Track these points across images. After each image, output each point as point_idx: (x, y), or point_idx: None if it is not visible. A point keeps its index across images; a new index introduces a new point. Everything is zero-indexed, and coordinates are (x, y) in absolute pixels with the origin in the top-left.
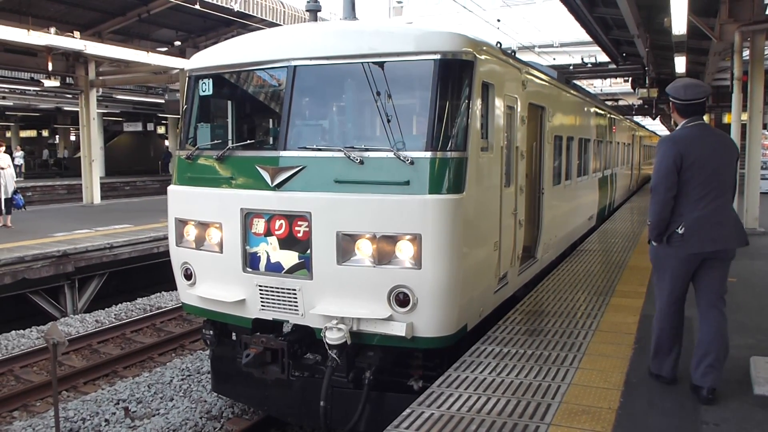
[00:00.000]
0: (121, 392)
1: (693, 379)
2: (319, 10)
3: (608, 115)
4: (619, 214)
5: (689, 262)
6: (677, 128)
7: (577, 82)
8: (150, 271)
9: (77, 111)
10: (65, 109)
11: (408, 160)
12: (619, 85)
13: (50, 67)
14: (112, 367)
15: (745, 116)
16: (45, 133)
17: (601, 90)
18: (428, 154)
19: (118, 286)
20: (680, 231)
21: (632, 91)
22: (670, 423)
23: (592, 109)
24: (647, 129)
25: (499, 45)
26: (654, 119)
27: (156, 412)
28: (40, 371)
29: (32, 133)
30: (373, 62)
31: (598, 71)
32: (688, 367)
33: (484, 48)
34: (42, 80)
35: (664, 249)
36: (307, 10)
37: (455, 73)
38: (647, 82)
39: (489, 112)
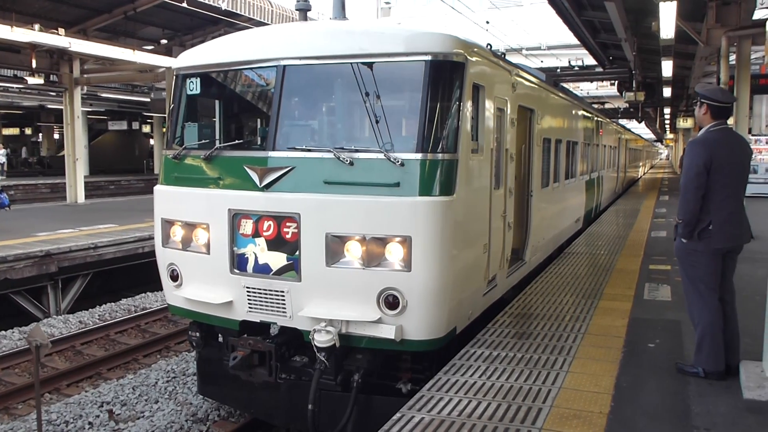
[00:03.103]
0: (105, 394)
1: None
2: (309, 10)
3: (595, 118)
4: (605, 217)
5: (717, 255)
6: (702, 131)
7: (565, 85)
8: (135, 271)
9: (61, 109)
10: (49, 107)
11: (398, 161)
12: (605, 88)
13: (34, 65)
14: (96, 369)
15: (731, 121)
16: (28, 131)
17: (588, 93)
18: (418, 156)
19: (103, 286)
20: (710, 228)
21: (619, 94)
22: (662, 428)
23: (580, 112)
24: (633, 132)
25: (489, 47)
26: (640, 122)
27: (141, 415)
28: (22, 373)
29: (15, 131)
30: (363, 63)
31: (585, 74)
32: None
33: (475, 50)
34: (25, 77)
35: (695, 244)
36: (296, 9)
37: (446, 75)
38: (634, 85)
39: (479, 114)
